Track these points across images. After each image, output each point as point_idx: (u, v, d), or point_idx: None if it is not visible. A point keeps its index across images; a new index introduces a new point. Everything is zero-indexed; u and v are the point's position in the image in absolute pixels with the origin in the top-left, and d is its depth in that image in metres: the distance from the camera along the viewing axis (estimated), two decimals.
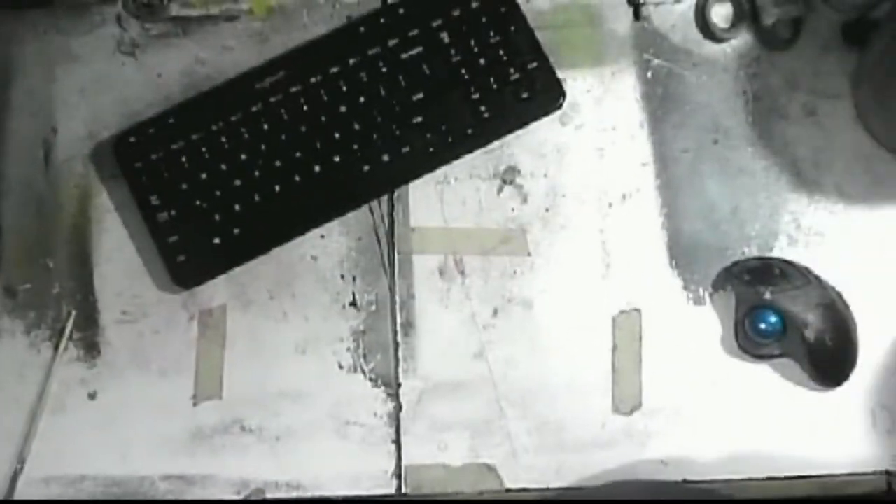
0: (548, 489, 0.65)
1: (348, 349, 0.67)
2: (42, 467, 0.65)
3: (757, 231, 0.68)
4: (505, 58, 0.68)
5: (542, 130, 0.69)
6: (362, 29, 0.69)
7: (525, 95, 0.68)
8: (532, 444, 0.65)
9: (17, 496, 0.64)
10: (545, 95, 0.68)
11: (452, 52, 0.68)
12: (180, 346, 0.67)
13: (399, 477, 0.65)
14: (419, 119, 0.67)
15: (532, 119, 0.69)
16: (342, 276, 0.68)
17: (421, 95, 0.67)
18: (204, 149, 0.66)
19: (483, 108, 0.67)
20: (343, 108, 0.67)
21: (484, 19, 0.68)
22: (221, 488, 0.65)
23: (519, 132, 0.69)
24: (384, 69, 0.68)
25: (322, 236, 0.68)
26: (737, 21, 0.72)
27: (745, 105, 0.70)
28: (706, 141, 0.70)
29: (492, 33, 0.68)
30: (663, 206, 0.69)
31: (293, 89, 0.67)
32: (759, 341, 0.64)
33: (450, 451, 0.65)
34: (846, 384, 0.65)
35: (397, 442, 0.65)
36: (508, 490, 0.65)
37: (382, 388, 0.66)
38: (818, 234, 0.68)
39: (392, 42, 0.68)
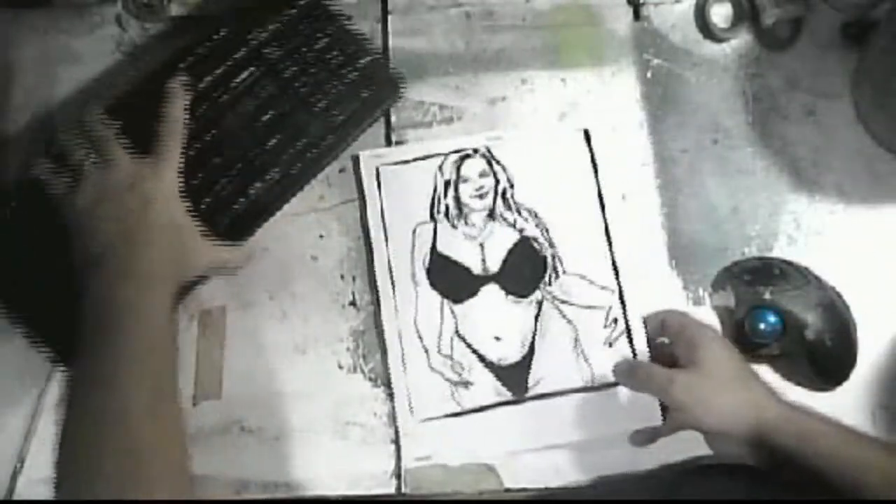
0: (547, 489, 0.65)
1: (348, 349, 0.67)
2: (42, 467, 0.65)
3: (757, 231, 0.68)
4: (339, 58, 0.67)
5: (542, 130, 0.69)
6: (183, 65, 0.66)
7: (366, 92, 0.68)
8: None
9: (17, 496, 0.64)
10: (385, 87, 0.68)
11: (285, 65, 0.67)
12: (180, 346, 0.66)
13: (399, 477, 0.65)
14: (274, 141, 0.66)
15: (380, 111, 0.69)
16: (342, 276, 0.68)
17: (268, 116, 0.66)
18: None
19: (334, 113, 0.67)
20: (198, 146, 0.65)
21: (303, 27, 0.68)
22: (221, 488, 0.64)
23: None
24: (221, 99, 0.66)
25: (321, 236, 0.68)
26: (737, 21, 0.72)
27: (745, 105, 0.71)
28: (706, 141, 0.70)
29: (318, 37, 0.67)
30: (663, 206, 0.69)
31: None
32: (759, 341, 0.64)
33: None
34: (846, 384, 0.65)
35: (397, 442, 0.65)
36: (508, 490, 0.65)
37: (382, 388, 0.66)
38: (818, 234, 0.68)
39: (220, 69, 0.66)
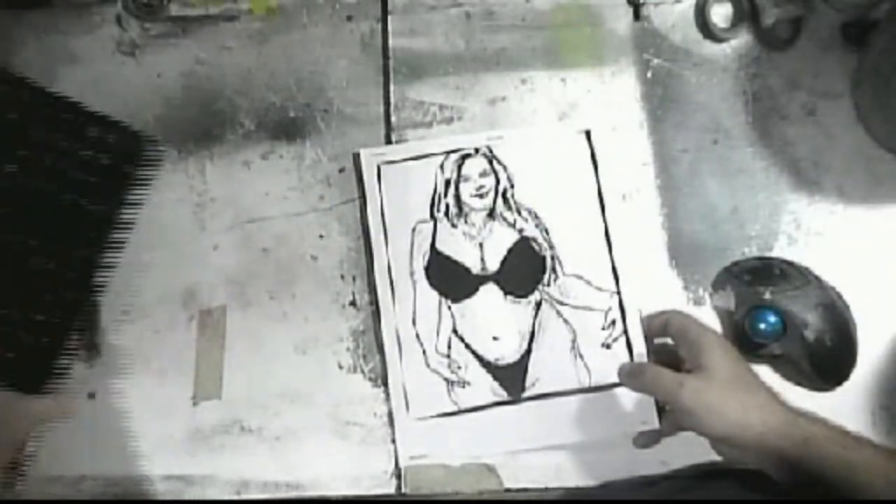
0: (547, 489, 0.65)
1: (348, 349, 0.67)
2: (42, 467, 0.65)
3: (757, 231, 0.68)
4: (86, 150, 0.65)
5: (542, 130, 0.69)
6: None
7: (107, 161, 0.65)
8: None
9: (17, 496, 0.64)
10: (125, 147, 0.66)
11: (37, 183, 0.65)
12: (180, 346, 0.67)
13: (399, 477, 0.65)
14: (52, 266, 0.64)
15: (133, 166, 0.66)
16: (342, 276, 0.68)
17: (37, 242, 0.64)
18: None
19: (86, 201, 0.65)
20: None
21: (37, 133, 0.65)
22: (221, 488, 0.65)
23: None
24: None
25: (321, 236, 0.68)
26: (737, 21, 0.72)
27: (745, 105, 0.70)
28: (706, 141, 0.70)
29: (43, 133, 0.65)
30: (663, 206, 0.69)
31: None
32: (759, 341, 0.64)
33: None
34: (846, 384, 0.65)
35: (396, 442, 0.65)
36: (508, 490, 0.65)
37: (382, 388, 0.66)
38: (818, 234, 0.68)
39: None
